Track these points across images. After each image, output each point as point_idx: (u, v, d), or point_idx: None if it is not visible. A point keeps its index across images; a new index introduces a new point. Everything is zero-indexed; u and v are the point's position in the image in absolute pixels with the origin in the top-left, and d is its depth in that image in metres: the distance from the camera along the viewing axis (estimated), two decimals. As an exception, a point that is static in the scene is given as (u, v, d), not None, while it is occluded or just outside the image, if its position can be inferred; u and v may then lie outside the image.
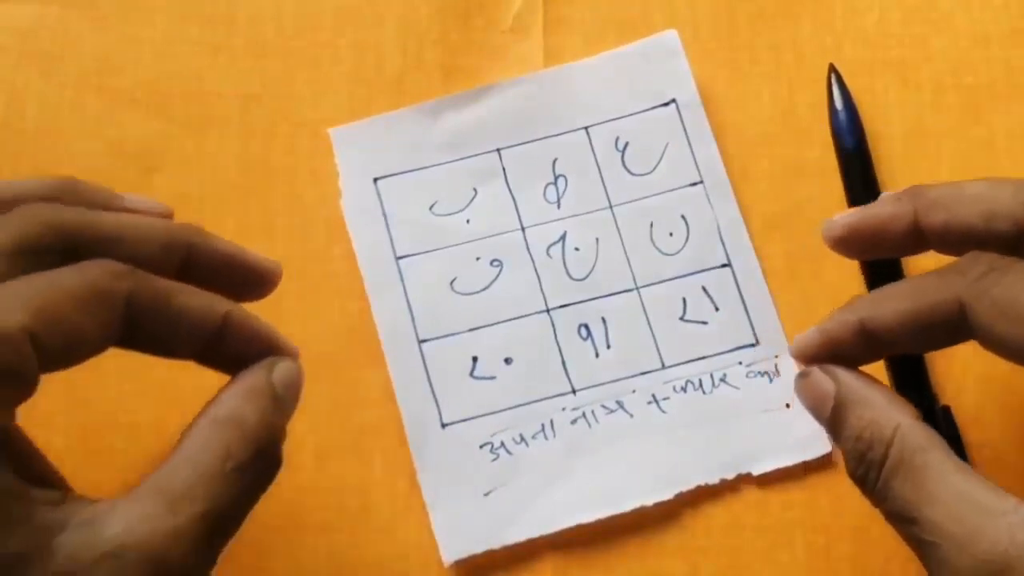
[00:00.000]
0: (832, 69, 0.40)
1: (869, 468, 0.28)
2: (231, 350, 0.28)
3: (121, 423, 0.37)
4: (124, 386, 0.37)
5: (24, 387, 0.25)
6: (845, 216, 0.31)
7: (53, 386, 0.25)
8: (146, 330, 0.27)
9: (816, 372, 0.30)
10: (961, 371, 0.37)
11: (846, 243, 0.31)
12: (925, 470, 0.27)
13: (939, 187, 0.30)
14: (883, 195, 0.31)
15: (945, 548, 0.26)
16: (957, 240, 0.29)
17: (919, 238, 0.30)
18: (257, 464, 0.27)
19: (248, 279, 0.30)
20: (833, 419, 0.29)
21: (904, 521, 0.27)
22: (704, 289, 0.38)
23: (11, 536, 0.23)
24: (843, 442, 0.29)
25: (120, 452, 0.37)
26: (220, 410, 0.27)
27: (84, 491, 0.26)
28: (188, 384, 0.37)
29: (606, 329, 0.38)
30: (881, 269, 0.37)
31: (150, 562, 0.24)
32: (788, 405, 0.37)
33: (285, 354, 0.29)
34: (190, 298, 0.28)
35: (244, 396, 0.28)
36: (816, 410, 0.30)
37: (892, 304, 0.29)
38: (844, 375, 0.29)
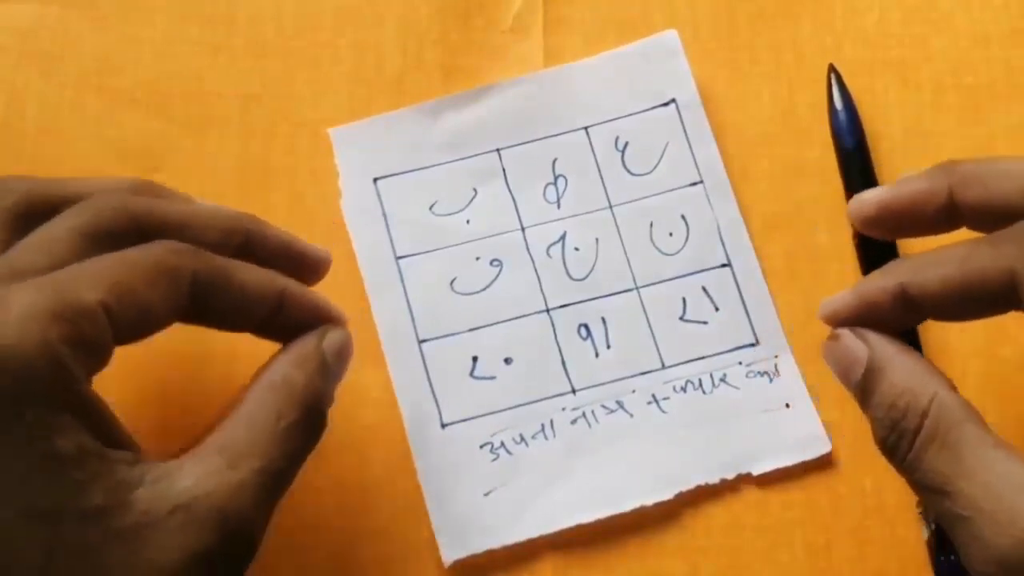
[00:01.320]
0: (832, 69, 0.40)
1: (901, 437, 0.27)
2: (288, 322, 0.31)
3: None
4: (125, 386, 0.37)
5: (101, 357, 0.27)
6: (876, 193, 0.30)
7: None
8: (210, 305, 0.29)
9: (847, 334, 0.29)
10: (961, 371, 0.37)
11: (878, 222, 0.30)
12: (962, 443, 0.26)
13: (970, 163, 0.29)
14: (905, 175, 0.30)
15: (980, 524, 0.25)
16: (995, 216, 0.29)
17: (953, 215, 0.29)
18: (305, 424, 0.29)
19: (300, 266, 0.33)
20: (864, 385, 0.28)
21: (937, 493, 0.26)
22: (704, 289, 0.38)
23: (93, 491, 0.25)
24: (874, 409, 0.28)
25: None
26: (273, 375, 0.30)
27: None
28: (188, 385, 0.37)
29: (606, 329, 0.38)
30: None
31: (216, 512, 0.26)
32: (788, 405, 0.37)
33: (336, 324, 0.32)
34: (250, 275, 0.30)
35: (295, 361, 0.30)
36: (845, 375, 0.29)
37: (937, 269, 0.28)
38: (877, 340, 0.29)
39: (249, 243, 0.31)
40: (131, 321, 0.27)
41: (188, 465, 0.27)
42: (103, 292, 0.26)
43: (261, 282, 0.30)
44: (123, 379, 0.36)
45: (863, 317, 0.29)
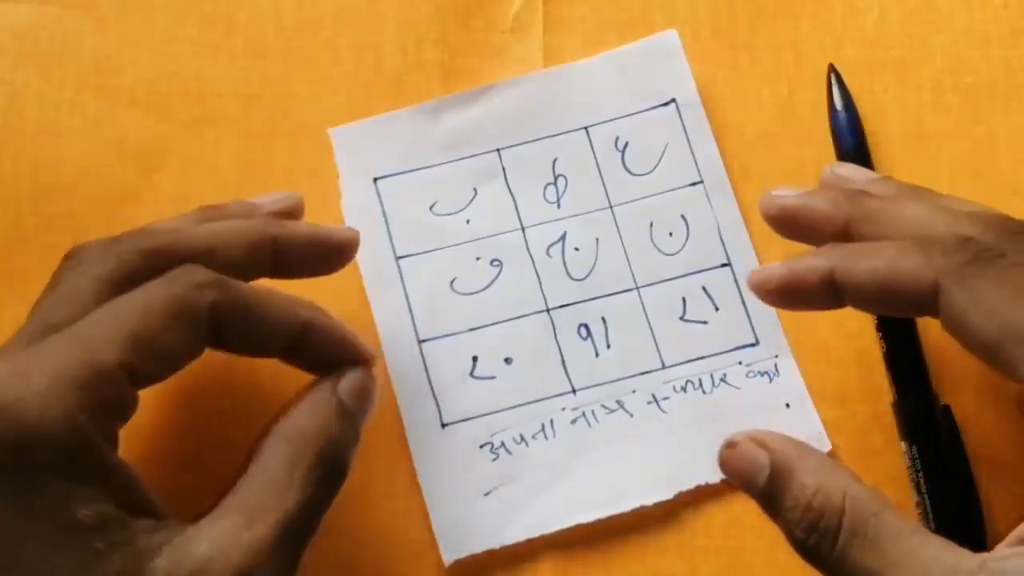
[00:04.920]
0: (832, 69, 0.40)
1: (823, 538, 0.27)
2: (312, 351, 0.31)
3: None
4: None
5: (125, 414, 0.28)
6: (785, 197, 0.32)
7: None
8: (231, 335, 0.30)
9: (745, 442, 0.29)
10: (961, 371, 0.37)
11: (778, 224, 0.32)
12: (883, 535, 0.26)
13: (878, 201, 0.30)
14: (826, 191, 0.32)
15: None
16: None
17: (847, 241, 0.31)
18: (321, 472, 0.29)
19: (332, 253, 0.33)
20: (769, 489, 0.28)
21: None
22: (704, 289, 0.38)
23: (112, 560, 0.25)
24: (786, 513, 0.28)
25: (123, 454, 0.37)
26: (287, 424, 0.30)
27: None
28: (189, 385, 0.37)
29: (606, 329, 0.38)
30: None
31: (233, 572, 0.26)
32: (788, 405, 0.37)
33: (362, 358, 0.32)
34: (271, 306, 0.30)
35: (309, 409, 0.30)
36: (748, 482, 0.29)
37: (868, 263, 0.29)
38: (777, 443, 0.29)
39: (279, 250, 0.32)
40: (152, 370, 0.28)
41: (206, 528, 0.27)
42: (122, 350, 0.27)
43: (283, 313, 0.30)
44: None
45: (789, 290, 0.30)
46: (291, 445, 0.29)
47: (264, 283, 0.32)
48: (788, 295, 0.30)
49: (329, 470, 0.29)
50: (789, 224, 0.32)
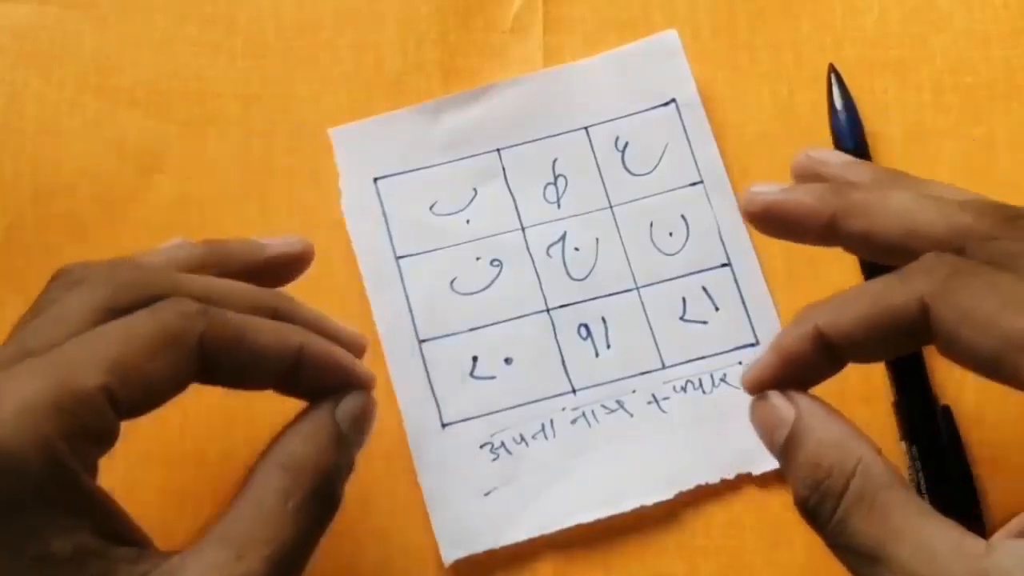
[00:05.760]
0: (832, 69, 0.40)
1: (825, 498, 0.26)
2: (308, 380, 0.29)
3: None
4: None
5: (105, 443, 0.26)
6: (767, 193, 0.30)
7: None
8: (221, 367, 0.28)
9: (774, 395, 0.28)
10: (961, 371, 0.37)
11: (760, 221, 0.30)
12: (890, 507, 0.25)
13: (862, 193, 0.29)
14: (804, 185, 0.30)
15: None
16: (872, 251, 0.29)
17: (832, 236, 0.29)
18: (316, 504, 0.28)
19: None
20: (788, 446, 0.27)
21: (866, 559, 0.25)
22: (704, 289, 0.38)
23: None
24: (796, 468, 0.27)
25: (121, 453, 0.37)
26: (280, 454, 0.28)
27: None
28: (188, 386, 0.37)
29: (606, 329, 0.38)
30: (882, 270, 0.37)
31: None
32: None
33: (359, 383, 0.30)
34: (262, 334, 0.28)
35: (303, 438, 0.28)
36: (769, 436, 0.28)
37: (851, 309, 0.27)
38: (804, 401, 0.28)
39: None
40: (136, 399, 0.26)
41: (191, 560, 0.26)
42: (104, 374, 0.25)
43: (276, 340, 0.29)
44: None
45: (786, 375, 0.28)
46: (285, 473, 0.27)
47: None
48: (787, 379, 0.28)
49: (323, 502, 0.28)
50: (773, 221, 0.30)
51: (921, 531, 0.25)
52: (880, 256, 0.29)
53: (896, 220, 0.28)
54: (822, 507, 0.26)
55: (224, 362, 0.28)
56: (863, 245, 0.29)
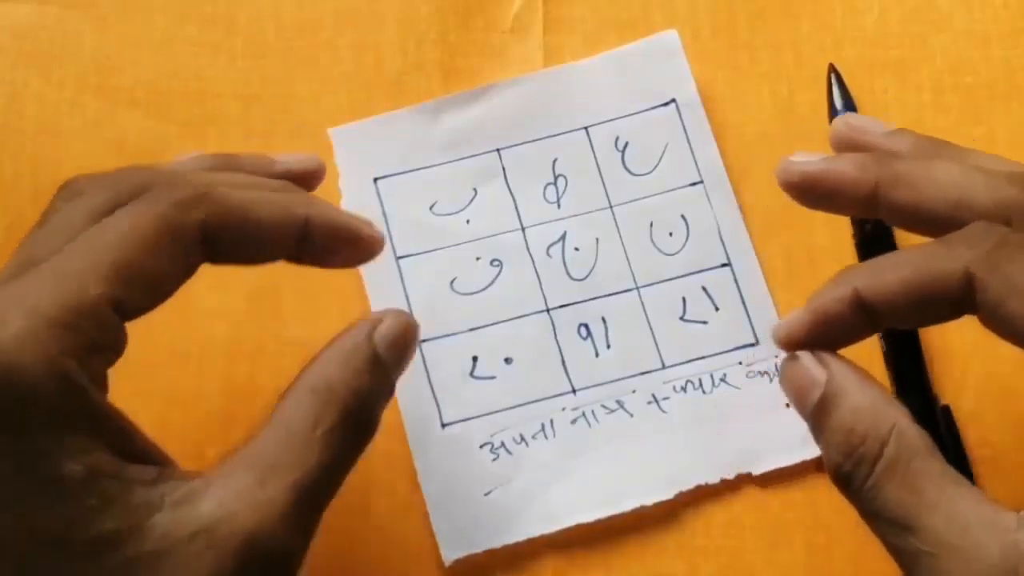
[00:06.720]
0: (832, 69, 0.40)
1: (859, 464, 0.26)
2: (318, 248, 0.29)
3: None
4: (124, 386, 0.37)
5: (112, 353, 0.25)
6: (805, 163, 0.29)
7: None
8: (227, 247, 0.27)
9: (806, 355, 0.27)
10: (961, 371, 0.37)
11: (800, 191, 0.30)
12: (924, 475, 0.25)
13: (906, 163, 0.28)
14: (850, 154, 0.29)
15: (946, 560, 0.24)
16: (916, 222, 0.28)
17: (874, 206, 0.29)
18: (348, 430, 0.26)
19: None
20: (819, 409, 0.27)
21: (898, 527, 0.25)
22: (704, 289, 0.38)
23: (107, 516, 0.23)
24: (829, 434, 0.26)
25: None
26: (312, 376, 0.27)
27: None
28: (189, 385, 0.37)
29: (606, 329, 0.38)
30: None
31: (242, 536, 0.24)
32: (788, 405, 0.37)
33: (369, 244, 0.30)
34: (266, 208, 0.28)
35: (338, 360, 0.27)
36: (801, 398, 0.27)
37: (892, 273, 0.27)
38: (837, 364, 0.27)
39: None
40: (141, 299, 0.26)
41: (214, 483, 0.25)
42: (106, 282, 0.24)
43: (281, 213, 0.28)
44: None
45: (820, 334, 0.27)
46: (316, 397, 0.26)
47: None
48: (820, 338, 0.28)
49: (356, 428, 0.27)
50: (812, 191, 0.29)
51: (954, 502, 0.25)
52: (923, 228, 0.28)
53: (942, 192, 0.27)
54: (856, 474, 0.26)
55: (230, 242, 0.27)
56: (908, 216, 0.28)
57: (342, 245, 0.29)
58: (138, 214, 0.26)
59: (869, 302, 0.27)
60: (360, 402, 0.27)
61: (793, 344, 0.28)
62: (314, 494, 0.26)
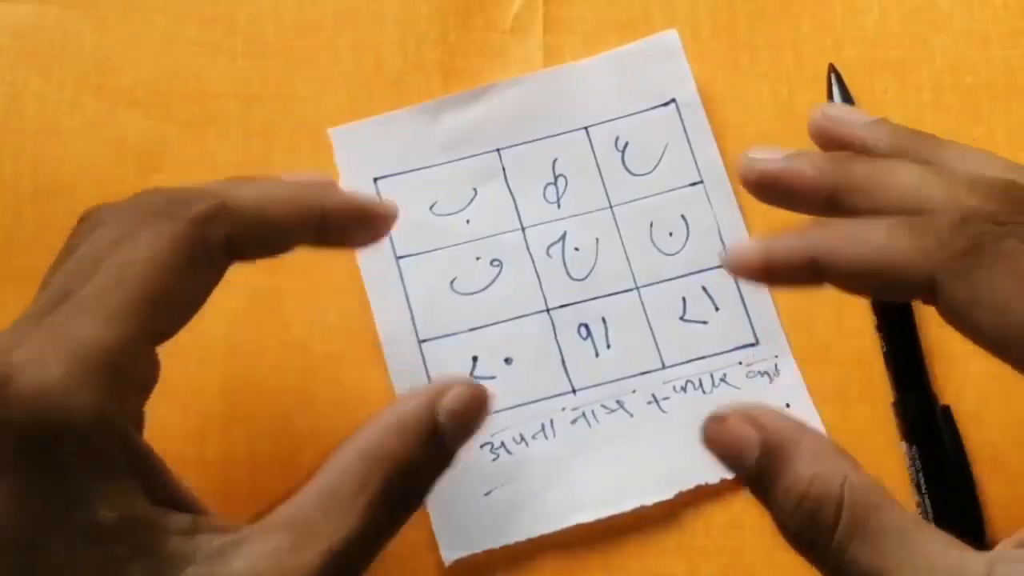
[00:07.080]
0: (832, 69, 0.40)
1: (818, 532, 0.24)
2: (334, 234, 0.30)
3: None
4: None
5: (148, 388, 0.26)
6: (766, 161, 0.29)
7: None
8: (248, 250, 0.28)
9: (734, 418, 0.26)
10: (961, 371, 0.37)
11: (758, 188, 0.29)
12: (886, 530, 0.24)
13: (868, 164, 0.28)
14: (810, 154, 0.29)
15: None
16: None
17: (835, 209, 0.28)
18: (392, 501, 0.26)
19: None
20: (759, 472, 0.25)
21: None
22: (704, 289, 0.38)
23: (137, 567, 0.23)
24: (780, 502, 0.25)
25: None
26: (363, 440, 0.26)
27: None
28: (189, 385, 0.37)
29: (606, 329, 0.38)
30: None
31: None
32: (788, 405, 0.37)
33: (383, 221, 0.31)
34: (283, 207, 0.28)
35: (394, 428, 0.26)
36: (733, 461, 0.26)
37: (854, 248, 0.26)
38: (770, 419, 0.26)
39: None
40: (175, 323, 0.26)
41: (248, 541, 0.24)
42: (141, 316, 0.24)
43: (296, 210, 0.28)
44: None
45: (767, 275, 0.28)
46: (364, 463, 0.25)
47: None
48: (766, 279, 0.28)
49: (401, 500, 0.26)
50: (770, 190, 0.29)
51: (918, 551, 0.24)
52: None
53: (898, 201, 0.27)
54: (818, 541, 0.25)
55: (250, 245, 0.28)
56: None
57: (357, 227, 0.30)
58: (160, 237, 0.26)
59: (823, 267, 0.27)
60: (410, 474, 0.26)
61: (740, 272, 0.28)
62: (347, 564, 0.25)
